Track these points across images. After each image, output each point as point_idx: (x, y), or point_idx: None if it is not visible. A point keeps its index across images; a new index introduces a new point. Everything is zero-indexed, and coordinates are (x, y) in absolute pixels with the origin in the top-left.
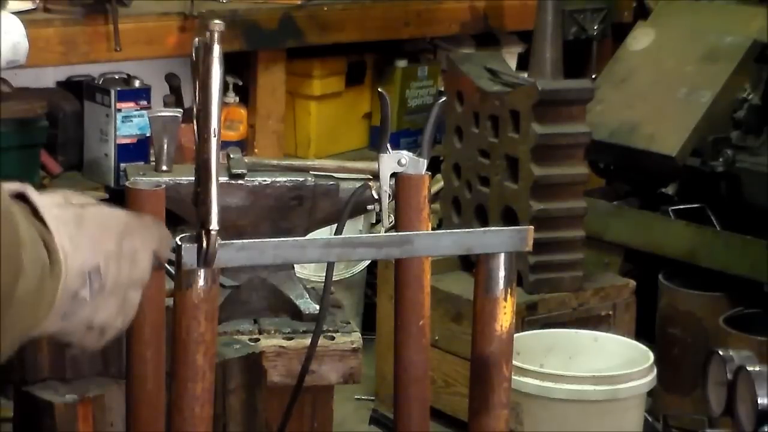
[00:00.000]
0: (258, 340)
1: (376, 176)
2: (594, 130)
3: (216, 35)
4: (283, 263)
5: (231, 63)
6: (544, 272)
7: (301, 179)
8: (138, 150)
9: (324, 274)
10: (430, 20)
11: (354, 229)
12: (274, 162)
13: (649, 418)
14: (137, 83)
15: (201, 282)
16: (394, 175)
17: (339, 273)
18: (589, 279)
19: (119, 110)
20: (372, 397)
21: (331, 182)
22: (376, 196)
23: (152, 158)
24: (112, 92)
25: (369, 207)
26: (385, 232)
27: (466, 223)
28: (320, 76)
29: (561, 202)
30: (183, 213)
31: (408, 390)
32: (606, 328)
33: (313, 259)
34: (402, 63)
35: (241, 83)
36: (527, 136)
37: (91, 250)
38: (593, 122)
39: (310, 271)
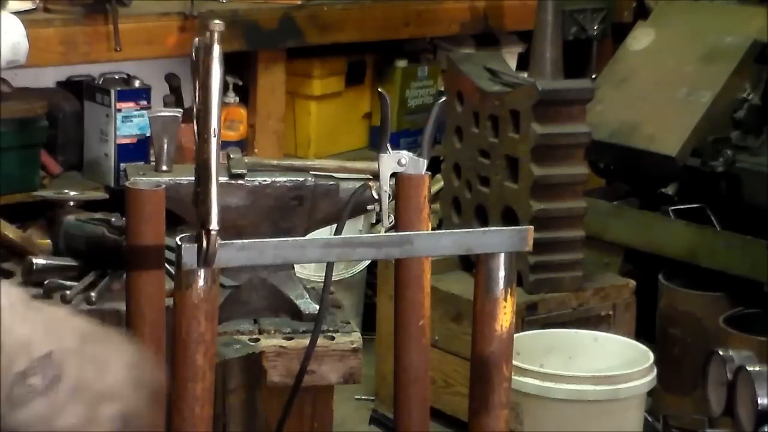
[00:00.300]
0: (258, 340)
1: (376, 176)
2: (594, 130)
3: (216, 35)
4: (283, 263)
5: (231, 63)
6: (544, 272)
7: (301, 179)
8: (138, 150)
9: (324, 274)
10: (430, 20)
11: (354, 229)
12: (274, 162)
13: (649, 418)
14: (137, 83)
15: (201, 282)
16: (394, 175)
17: (339, 273)
18: (589, 279)
19: (119, 110)
20: (372, 397)
21: (331, 182)
22: (376, 196)
23: (152, 158)
24: (112, 92)
25: (369, 207)
26: (385, 232)
27: (466, 223)
28: (320, 76)
29: (561, 202)
30: (183, 213)
31: (408, 390)
32: (606, 328)
33: (313, 259)
34: (402, 63)
35: (241, 83)
36: (527, 136)
37: (44, 335)
38: (593, 122)
39: (310, 271)
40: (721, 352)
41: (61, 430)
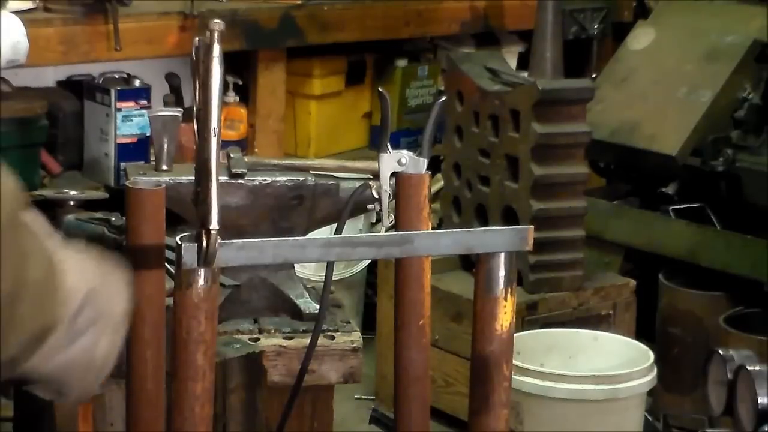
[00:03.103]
0: (258, 339)
1: (376, 176)
2: (594, 130)
3: (216, 35)
4: (283, 263)
5: (231, 62)
6: (544, 272)
7: (301, 179)
8: (138, 149)
9: (324, 274)
10: (431, 20)
11: (354, 228)
12: (274, 161)
13: (649, 418)
14: (137, 83)
15: (201, 281)
16: (394, 174)
17: (339, 272)
18: (589, 278)
19: (119, 110)
20: (372, 397)
21: (331, 182)
22: (376, 196)
23: (152, 158)
24: (112, 92)
25: (369, 206)
26: (385, 231)
27: (466, 222)
28: (320, 76)
29: (561, 201)
30: (183, 212)
31: (408, 390)
32: (606, 328)
33: (313, 258)
34: (402, 62)
35: (241, 83)
36: (527, 136)
37: (81, 273)
38: (593, 122)
39: (310, 271)
40: (721, 352)
41: (98, 359)
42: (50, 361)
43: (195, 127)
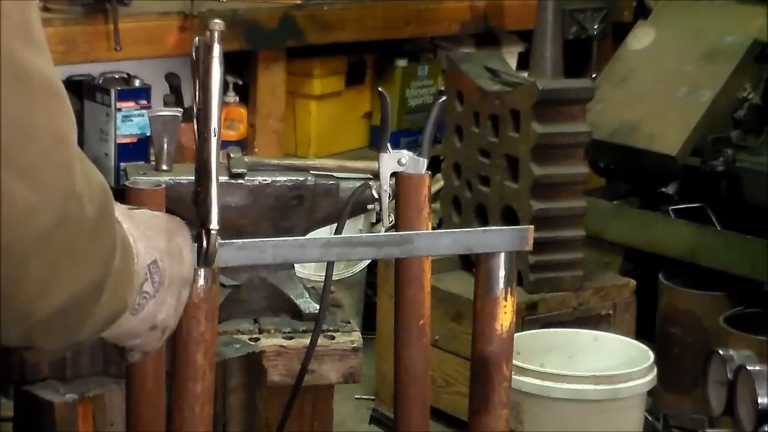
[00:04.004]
0: (258, 339)
1: (376, 176)
2: (594, 130)
3: (216, 35)
4: (283, 263)
5: (231, 62)
6: (544, 272)
7: (301, 179)
8: (138, 149)
9: (324, 274)
10: (431, 20)
11: (354, 228)
12: (274, 161)
13: (649, 418)
14: (137, 83)
15: (201, 281)
16: (394, 174)
17: (339, 272)
18: (589, 278)
19: (119, 110)
20: (372, 397)
21: (331, 182)
22: (376, 196)
23: (152, 158)
24: (112, 92)
25: (369, 206)
26: (385, 231)
27: (466, 222)
28: (320, 76)
29: (561, 201)
30: (183, 213)
31: (408, 389)
32: (606, 328)
33: (313, 258)
34: (402, 62)
35: (241, 83)
36: (527, 136)
37: (147, 245)
38: (593, 122)
39: (310, 271)
40: (721, 352)
41: (160, 322)
42: (115, 330)
43: (195, 127)
